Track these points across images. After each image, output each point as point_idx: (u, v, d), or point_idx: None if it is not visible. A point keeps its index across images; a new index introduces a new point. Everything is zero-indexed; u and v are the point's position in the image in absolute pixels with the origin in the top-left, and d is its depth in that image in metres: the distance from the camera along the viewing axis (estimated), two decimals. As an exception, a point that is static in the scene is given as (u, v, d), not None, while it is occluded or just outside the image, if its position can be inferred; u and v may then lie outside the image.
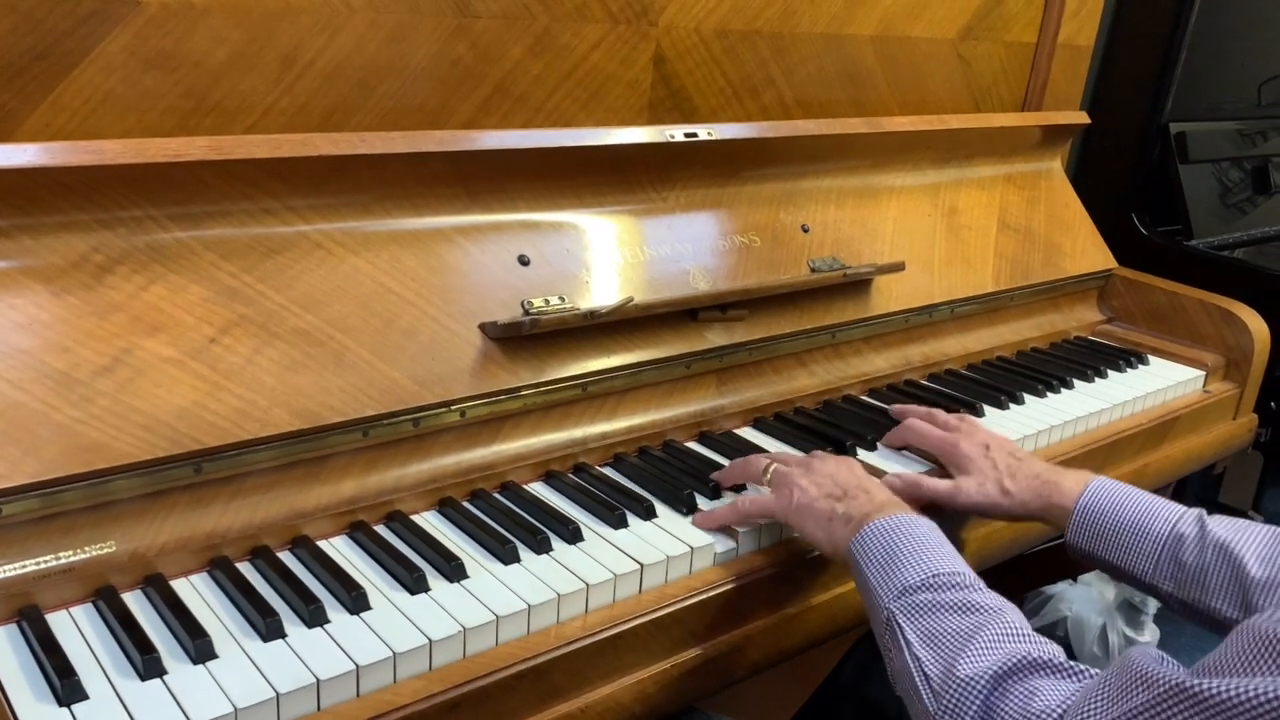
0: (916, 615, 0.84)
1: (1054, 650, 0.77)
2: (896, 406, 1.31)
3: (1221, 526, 0.99)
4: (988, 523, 1.24)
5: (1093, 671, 0.74)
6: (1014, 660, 0.77)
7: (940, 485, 1.12)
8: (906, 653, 0.82)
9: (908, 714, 1.09)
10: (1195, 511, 1.02)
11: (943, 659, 0.80)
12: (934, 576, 0.85)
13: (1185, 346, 1.66)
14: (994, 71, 1.69)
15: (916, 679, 0.81)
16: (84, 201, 0.88)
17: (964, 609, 0.83)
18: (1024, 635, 0.80)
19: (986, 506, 1.11)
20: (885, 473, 1.16)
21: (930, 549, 0.88)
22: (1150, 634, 2.25)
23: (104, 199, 0.89)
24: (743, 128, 1.31)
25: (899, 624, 0.84)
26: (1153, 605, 2.22)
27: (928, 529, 0.91)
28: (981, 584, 0.86)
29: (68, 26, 0.88)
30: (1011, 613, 0.83)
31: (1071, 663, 0.76)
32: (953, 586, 0.85)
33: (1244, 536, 0.97)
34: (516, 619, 0.87)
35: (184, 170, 0.91)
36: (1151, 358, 1.63)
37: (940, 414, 1.23)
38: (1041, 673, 0.76)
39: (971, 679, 0.77)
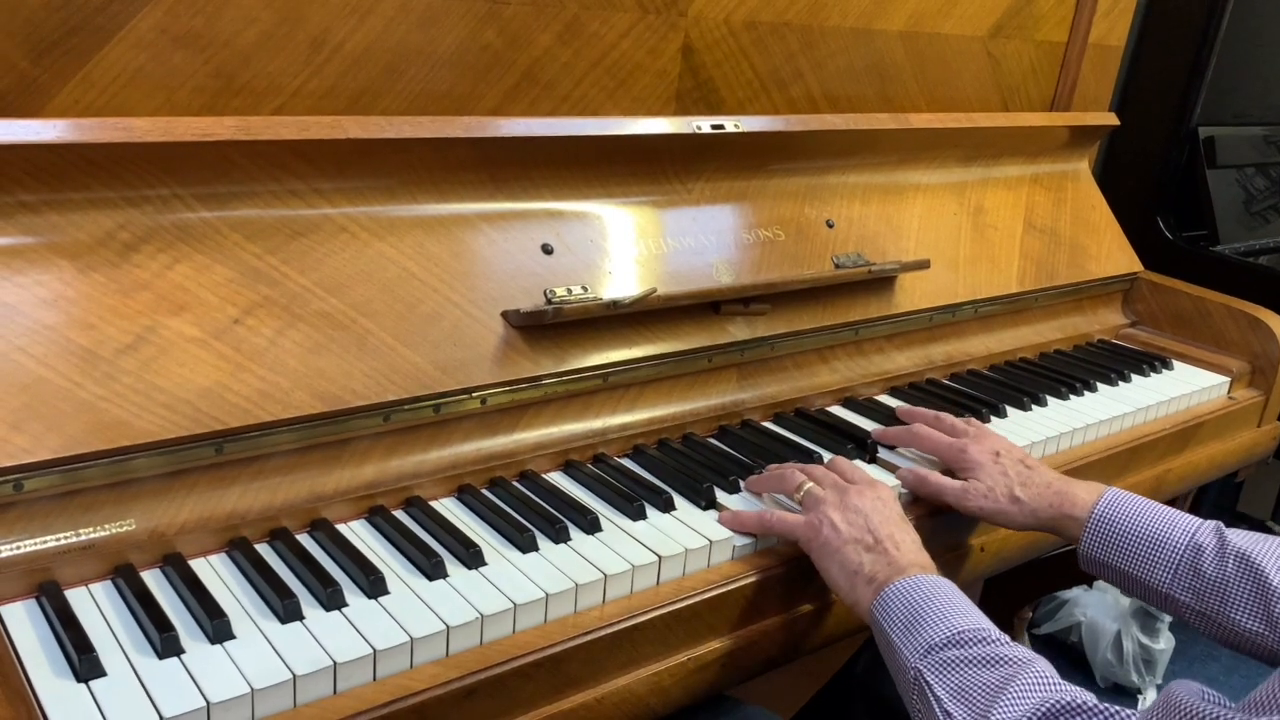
0: (944, 672, 0.82)
1: (1087, 695, 0.76)
2: (902, 407, 1.29)
3: (1241, 537, 0.98)
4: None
5: (1127, 712, 0.73)
6: (1048, 707, 0.75)
7: (949, 484, 1.11)
8: (937, 709, 0.81)
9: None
10: (1213, 523, 1.01)
11: (975, 713, 0.78)
12: (959, 633, 0.84)
13: (1210, 352, 1.65)
14: (1023, 70, 1.67)
15: None
16: (111, 179, 0.88)
17: (992, 662, 0.81)
18: (1055, 684, 0.78)
19: (994, 513, 1.09)
20: (899, 467, 1.16)
21: (953, 607, 0.87)
22: (1165, 641, 2.24)
23: (131, 177, 0.89)
24: (769, 120, 1.30)
25: (927, 682, 0.82)
26: (1168, 613, 2.21)
27: (949, 589, 0.89)
28: (1007, 638, 0.84)
29: (101, 2, 0.88)
30: (1040, 663, 0.81)
31: (1105, 704, 0.74)
32: (979, 641, 0.83)
33: (1265, 547, 0.97)
34: (534, 607, 0.87)
35: (211, 150, 0.91)
36: (1176, 363, 1.62)
37: (947, 418, 1.21)
38: (1078, 718, 0.74)
39: None
